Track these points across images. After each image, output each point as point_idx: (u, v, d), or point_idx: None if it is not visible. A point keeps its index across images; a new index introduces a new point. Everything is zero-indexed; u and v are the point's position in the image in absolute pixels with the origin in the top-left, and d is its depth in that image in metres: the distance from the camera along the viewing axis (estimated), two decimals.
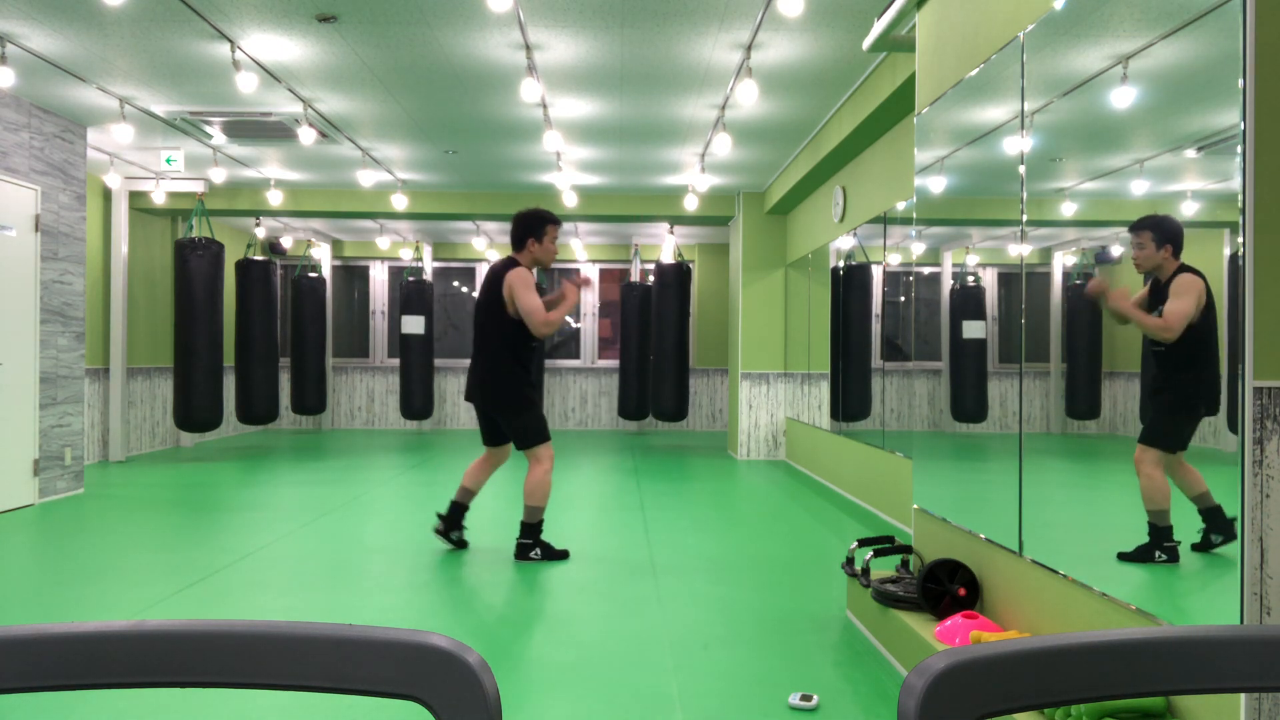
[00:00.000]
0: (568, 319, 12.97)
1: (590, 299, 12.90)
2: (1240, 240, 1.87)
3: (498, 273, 4.78)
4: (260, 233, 11.40)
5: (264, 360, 9.63)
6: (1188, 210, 2.11)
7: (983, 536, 3.05)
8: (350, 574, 4.50)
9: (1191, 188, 2.08)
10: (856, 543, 3.73)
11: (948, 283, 3.64)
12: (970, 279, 3.42)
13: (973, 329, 3.44)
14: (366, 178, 8.35)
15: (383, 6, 4.70)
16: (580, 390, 12.90)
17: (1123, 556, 2.32)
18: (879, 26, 3.87)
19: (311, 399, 11.28)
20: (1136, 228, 2.31)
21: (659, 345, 10.39)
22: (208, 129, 7.19)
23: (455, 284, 13.16)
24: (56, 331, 6.68)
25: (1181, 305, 2.22)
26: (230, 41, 5.16)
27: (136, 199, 9.38)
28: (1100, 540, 2.45)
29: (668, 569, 4.66)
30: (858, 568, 3.70)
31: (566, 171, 8.64)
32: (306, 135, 6.58)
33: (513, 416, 4.79)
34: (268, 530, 5.53)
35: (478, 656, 0.59)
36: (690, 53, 5.33)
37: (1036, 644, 0.59)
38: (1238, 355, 1.88)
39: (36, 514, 6.07)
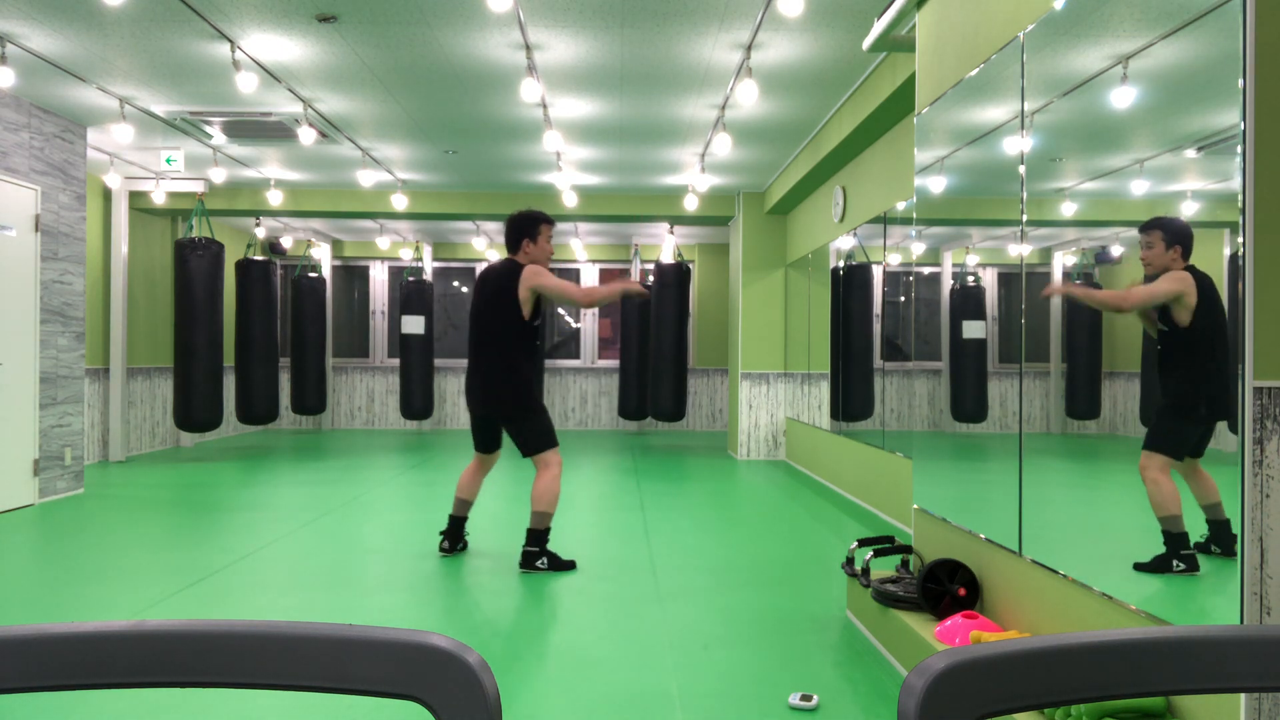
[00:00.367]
0: (568, 319, 12.96)
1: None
2: (1240, 240, 1.87)
3: (503, 274, 4.62)
4: (260, 233, 11.40)
5: (264, 360, 9.63)
6: (1188, 210, 2.11)
7: (983, 536, 3.05)
8: (350, 574, 4.50)
9: (1191, 188, 2.08)
10: (856, 543, 3.73)
11: (948, 283, 3.64)
12: (970, 279, 3.42)
13: (973, 329, 3.44)
14: (366, 178, 8.35)
15: (383, 6, 4.70)
16: (580, 390, 12.91)
17: (1139, 567, 2.23)
18: (879, 26, 3.87)
19: (311, 399, 11.28)
20: (1147, 228, 2.27)
21: (658, 345, 10.38)
22: (208, 129, 7.19)
23: (455, 284, 13.16)
24: (56, 331, 6.68)
25: (1151, 287, 2.20)
26: (230, 41, 5.16)
27: (136, 199, 9.38)
28: (1100, 540, 2.45)
29: (668, 569, 4.66)
30: (858, 568, 3.70)
31: (566, 171, 8.65)
32: (306, 135, 6.58)
33: (520, 421, 4.62)
34: (268, 530, 5.53)
35: (478, 656, 0.59)
36: (690, 53, 5.33)
37: (1036, 644, 0.59)
38: (1238, 355, 1.88)
39: (36, 514, 6.07)
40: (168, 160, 7.99)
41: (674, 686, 3.02)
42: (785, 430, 9.49)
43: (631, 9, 4.69)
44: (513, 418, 4.64)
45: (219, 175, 8.11)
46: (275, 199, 9.45)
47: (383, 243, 11.72)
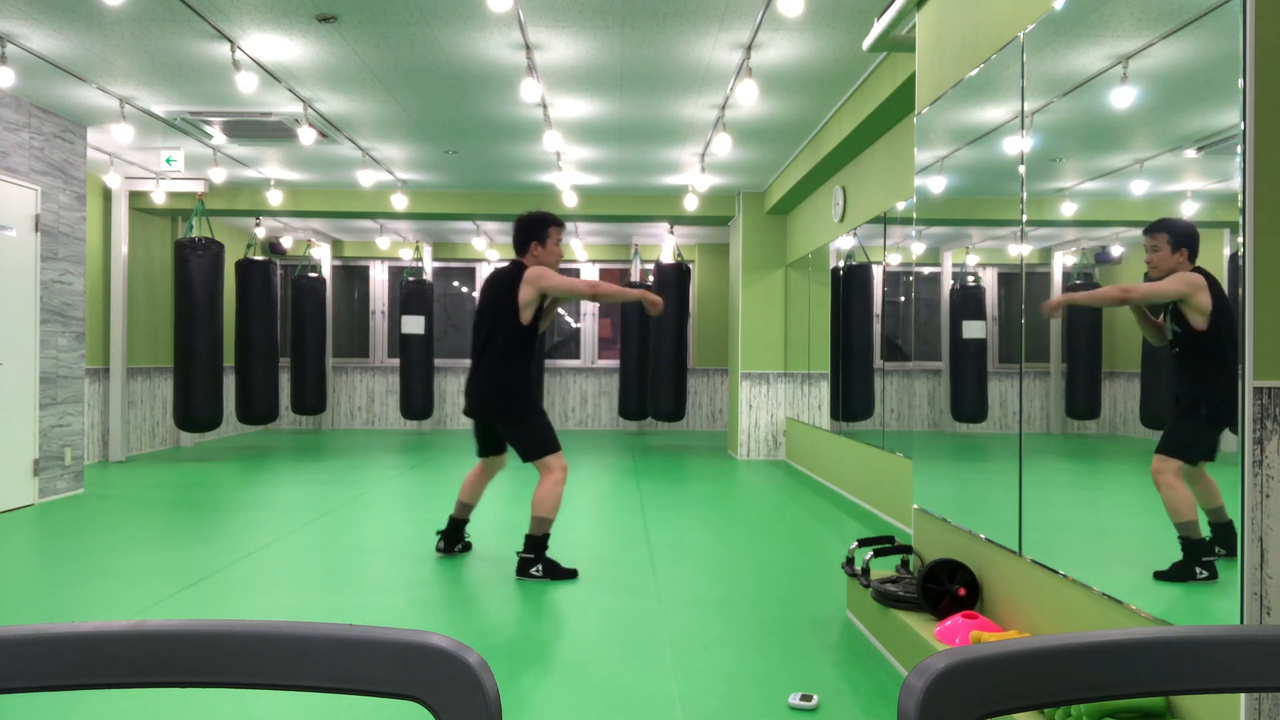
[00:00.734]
0: (568, 319, 12.96)
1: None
2: (1240, 240, 1.87)
3: (508, 277, 4.55)
4: (260, 233, 11.40)
5: (264, 360, 9.63)
6: (1188, 210, 2.10)
7: (983, 536, 3.05)
8: (350, 574, 4.50)
9: (1191, 188, 2.08)
10: (856, 543, 3.73)
11: (948, 283, 3.64)
12: (970, 279, 3.42)
13: (973, 329, 3.44)
14: (366, 178, 8.35)
15: (383, 6, 4.70)
16: (580, 390, 12.91)
17: (1159, 575, 2.18)
18: (879, 26, 3.87)
19: (311, 399, 11.28)
20: (1152, 230, 2.23)
21: (658, 345, 10.39)
22: (208, 129, 7.19)
23: (455, 284, 13.16)
24: (56, 331, 6.68)
25: (1157, 283, 2.19)
26: (230, 41, 5.16)
27: (136, 199, 9.38)
28: (1101, 540, 2.45)
29: (668, 569, 4.66)
30: (858, 568, 3.70)
31: (566, 171, 8.64)
32: (306, 135, 6.58)
33: (518, 425, 4.52)
34: (268, 530, 5.53)
35: (478, 656, 0.59)
36: (690, 53, 5.33)
37: (1036, 644, 0.59)
38: (1238, 355, 1.88)
39: (36, 514, 6.07)
40: (168, 160, 7.99)
41: (674, 686, 3.02)
42: (785, 430, 9.49)
43: (631, 9, 4.69)
44: (509, 421, 4.56)
45: (219, 175, 8.11)
46: (275, 199, 9.45)
47: (383, 243, 11.72)
